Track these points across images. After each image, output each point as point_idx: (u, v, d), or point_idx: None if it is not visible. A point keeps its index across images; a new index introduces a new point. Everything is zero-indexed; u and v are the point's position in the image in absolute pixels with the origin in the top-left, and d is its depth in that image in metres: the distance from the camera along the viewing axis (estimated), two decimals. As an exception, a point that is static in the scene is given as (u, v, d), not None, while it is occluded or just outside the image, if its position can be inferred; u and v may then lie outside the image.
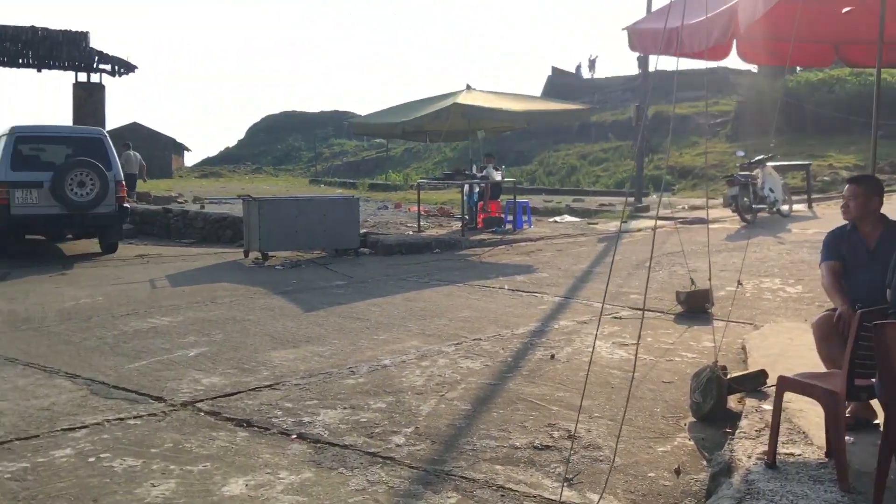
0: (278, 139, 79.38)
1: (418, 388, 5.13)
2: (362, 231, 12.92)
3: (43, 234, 12.61)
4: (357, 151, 67.22)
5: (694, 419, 4.55)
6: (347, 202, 12.69)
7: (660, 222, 15.91)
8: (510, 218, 15.07)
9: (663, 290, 8.40)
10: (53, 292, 8.95)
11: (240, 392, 5.07)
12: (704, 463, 3.94)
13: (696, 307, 7.30)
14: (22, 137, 11.68)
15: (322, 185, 42.39)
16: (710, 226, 13.65)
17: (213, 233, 14.91)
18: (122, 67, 19.03)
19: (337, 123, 79.23)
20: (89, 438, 4.19)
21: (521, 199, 15.96)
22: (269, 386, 5.20)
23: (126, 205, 12.46)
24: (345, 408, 4.76)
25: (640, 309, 7.22)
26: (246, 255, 12.01)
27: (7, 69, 18.19)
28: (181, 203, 19.14)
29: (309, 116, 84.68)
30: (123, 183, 12.30)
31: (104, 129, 15.53)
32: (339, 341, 6.46)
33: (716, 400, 4.47)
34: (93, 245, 13.16)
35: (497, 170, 15.60)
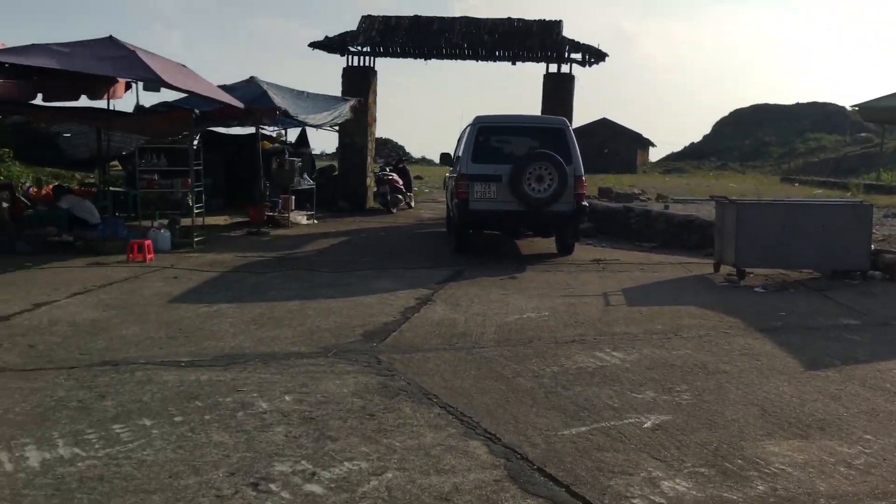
0: (746, 134, 74.78)
1: None
2: (872, 248, 9.91)
3: (498, 230, 12.10)
4: (837, 147, 59.55)
5: None
6: (854, 209, 9.80)
7: None
8: None
9: None
10: (499, 300, 8.02)
11: (721, 523, 3.17)
12: None
13: None
14: (483, 128, 11.19)
15: (796, 185, 37.76)
16: None
17: (677, 236, 13.12)
18: (593, 56, 18.19)
19: (816, 116, 71.59)
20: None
21: None
22: (770, 518, 3.21)
23: (584, 203, 11.30)
24: None
25: None
26: (716, 268, 9.97)
27: (484, 62, 18.53)
28: (643, 201, 17.70)
29: (783, 109, 78.34)
30: (584, 178, 11.13)
31: (571, 122, 14.70)
32: (873, 437, 4.13)
33: None
34: (549, 244, 12.35)
35: None
